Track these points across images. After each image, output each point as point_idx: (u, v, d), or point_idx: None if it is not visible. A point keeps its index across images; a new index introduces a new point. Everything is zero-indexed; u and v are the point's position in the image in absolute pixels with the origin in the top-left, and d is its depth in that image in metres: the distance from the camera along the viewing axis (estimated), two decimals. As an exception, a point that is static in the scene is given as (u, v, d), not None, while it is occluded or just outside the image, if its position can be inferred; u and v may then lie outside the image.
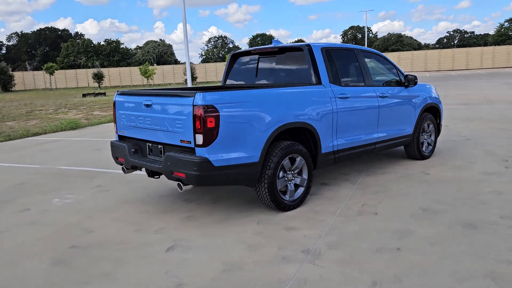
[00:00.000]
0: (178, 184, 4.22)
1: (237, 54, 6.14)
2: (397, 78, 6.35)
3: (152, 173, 4.80)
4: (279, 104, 4.49)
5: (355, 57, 5.71)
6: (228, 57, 6.35)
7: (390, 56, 56.19)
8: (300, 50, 5.22)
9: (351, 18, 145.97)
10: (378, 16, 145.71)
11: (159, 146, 4.59)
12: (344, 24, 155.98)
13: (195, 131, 4.00)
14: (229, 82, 6.23)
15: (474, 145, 7.88)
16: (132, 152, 4.86)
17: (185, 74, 57.44)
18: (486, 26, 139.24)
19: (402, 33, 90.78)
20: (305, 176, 4.81)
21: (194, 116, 3.97)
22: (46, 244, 4.09)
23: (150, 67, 57.23)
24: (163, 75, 63.66)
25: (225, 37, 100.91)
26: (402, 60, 54.75)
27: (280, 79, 5.52)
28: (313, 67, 5.08)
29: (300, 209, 4.75)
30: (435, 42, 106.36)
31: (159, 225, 4.46)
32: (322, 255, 3.57)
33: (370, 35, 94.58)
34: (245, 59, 6.05)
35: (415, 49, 79.66)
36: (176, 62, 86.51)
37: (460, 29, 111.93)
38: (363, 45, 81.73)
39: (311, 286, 3.09)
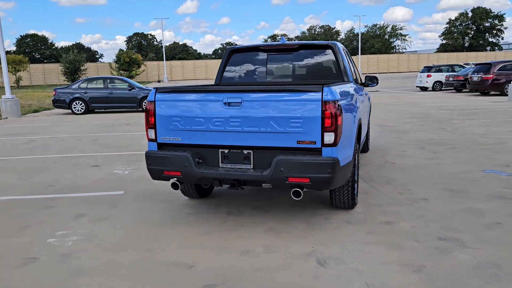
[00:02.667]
0: (296, 192, 3.72)
1: (236, 50, 5.62)
2: (359, 77, 6.98)
3: (238, 183, 4.00)
4: (359, 100, 4.46)
5: (349, 56, 6.04)
6: (225, 53, 5.72)
7: (190, 64, 58.26)
8: (327, 48, 5.23)
9: (122, 24, 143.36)
10: (150, 25, 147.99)
11: (245, 152, 3.90)
12: (114, 30, 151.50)
13: (324, 130, 3.62)
14: (225, 80, 5.65)
15: (378, 138, 9.26)
16: (197, 162, 3.96)
17: None
18: (243, 40, 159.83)
19: (179, 42, 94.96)
20: (355, 172, 4.88)
21: (324, 113, 3.59)
22: (162, 293, 3.01)
23: None
24: None
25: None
26: (197, 68, 57.39)
27: (300, 78, 5.38)
28: (342, 65, 5.18)
29: (359, 205, 4.80)
30: (211, 53, 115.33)
31: (257, 243, 3.81)
32: (462, 240, 3.78)
33: (155, 42, 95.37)
34: (247, 56, 5.62)
35: (196, 59, 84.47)
36: None
37: (223, 42, 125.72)
38: (150, 52, 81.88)
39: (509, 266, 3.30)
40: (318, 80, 5.30)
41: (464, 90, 23.72)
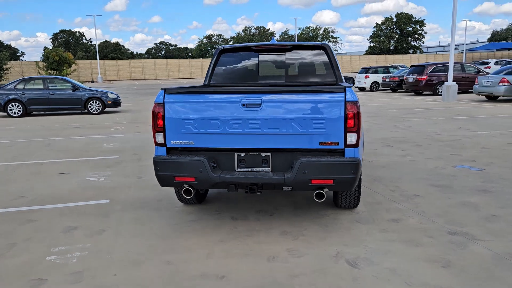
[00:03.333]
0: (319, 194, 3.68)
1: (226, 50, 5.44)
2: None
3: (257, 187, 3.83)
4: None
5: None
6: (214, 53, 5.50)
7: (126, 64, 56.03)
8: (321, 49, 5.24)
9: (43, 21, 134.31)
10: (75, 21, 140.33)
11: (263, 154, 3.79)
12: (35, 26, 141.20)
13: (347, 130, 3.61)
14: (215, 80, 5.45)
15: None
16: (213, 166, 3.78)
17: None
18: (175, 40, 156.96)
19: (110, 41, 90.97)
20: None
21: (347, 114, 3.58)
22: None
23: None
24: None
25: None
26: (133, 68, 55.41)
27: (293, 78, 5.34)
28: (336, 66, 5.23)
29: (359, 204, 4.86)
30: (144, 53, 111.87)
31: (279, 248, 3.72)
32: (471, 233, 3.96)
33: (84, 40, 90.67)
34: (238, 56, 5.46)
35: (129, 58, 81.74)
36: None
37: (156, 42, 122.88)
38: (79, 51, 77.83)
39: (522, 255, 3.51)
40: (311, 80, 5.30)
41: (399, 90, 25.14)
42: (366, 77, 26.93)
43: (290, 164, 3.75)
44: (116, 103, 16.14)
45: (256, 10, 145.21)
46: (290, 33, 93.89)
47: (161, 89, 3.88)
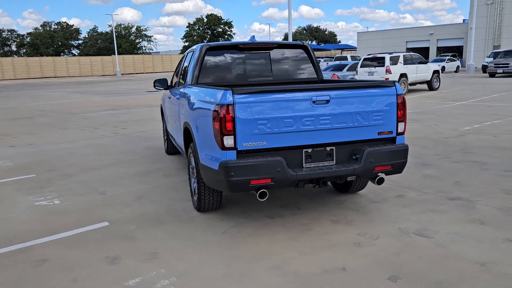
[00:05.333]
0: (381, 179, 4.04)
1: (211, 48, 5.18)
2: None
3: (323, 181, 3.89)
4: None
5: None
6: (197, 51, 5.10)
7: None
8: (302, 48, 5.52)
9: None
10: None
11: (328, 148, 3.92)
12: None
13: (398, 120, 4.06)
14: (201, 78, 5.16)
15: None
16: (287, 165, 3.72)
17: None
18: None
19: None
20: None
21: (398, 105, 4.04)
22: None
23: None
24: None
25: None
26: None
27: (280, 76, 5.47)
28: (315, 64, 5.61)
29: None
30: None
31: (349, 235, 3.95)
32: (464, 197, 4.90)
33: None
34: (223, 54, 5.27)
35: None
36: None
37: None
38: None
39: (513, 206, 4.58)
40: (296, 77, 5.55)
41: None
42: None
43: (350, 155, 4.01)
44: None
45: (46, 4, 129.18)
46: (99, 30, 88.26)
47: (227, 89, 3.61)
